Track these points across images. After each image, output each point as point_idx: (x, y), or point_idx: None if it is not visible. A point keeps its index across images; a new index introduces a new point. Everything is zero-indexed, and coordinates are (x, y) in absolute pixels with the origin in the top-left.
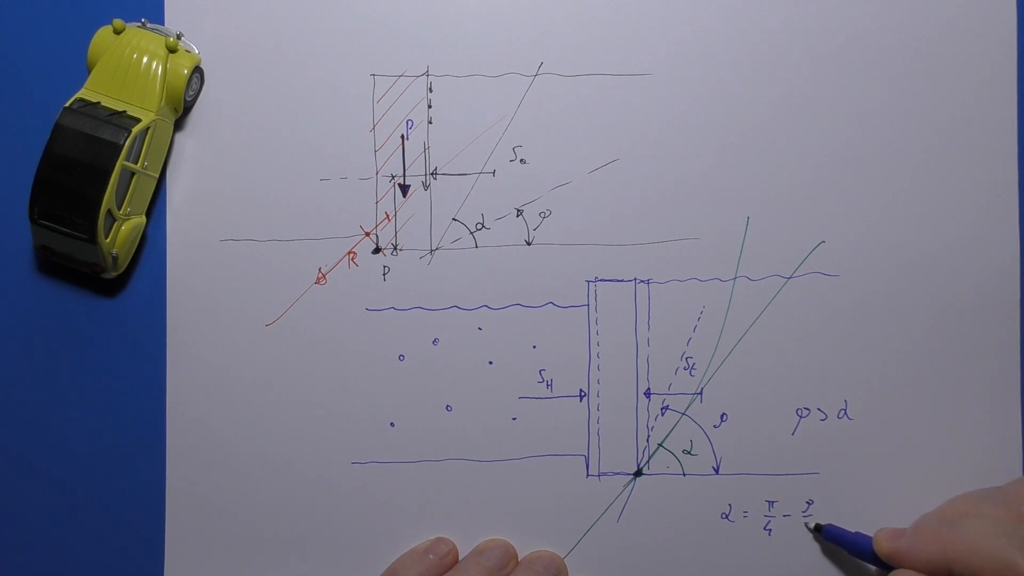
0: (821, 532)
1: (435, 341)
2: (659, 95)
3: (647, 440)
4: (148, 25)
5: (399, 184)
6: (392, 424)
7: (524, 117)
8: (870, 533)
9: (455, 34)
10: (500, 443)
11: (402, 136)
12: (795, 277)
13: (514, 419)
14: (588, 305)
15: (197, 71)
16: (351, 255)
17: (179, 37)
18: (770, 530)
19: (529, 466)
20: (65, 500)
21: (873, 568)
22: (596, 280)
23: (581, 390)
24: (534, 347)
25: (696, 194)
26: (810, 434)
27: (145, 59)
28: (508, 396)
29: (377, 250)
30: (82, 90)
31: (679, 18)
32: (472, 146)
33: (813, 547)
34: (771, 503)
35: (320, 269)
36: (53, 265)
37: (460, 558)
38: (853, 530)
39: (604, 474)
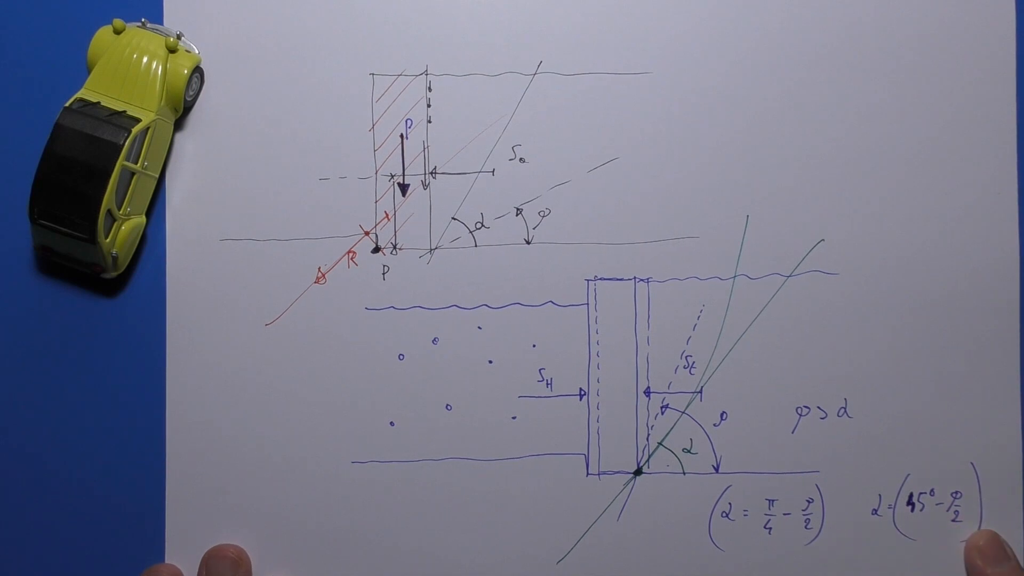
0: None
1: (435, 340)
2: (658, 94)
3: (647, 439)
4: (148, 25)
5: (398, 183)
6: (392, 423)
7: (523, 116)
8: (870, 530)
9: (454, 33)
10: (500, 442)
11: (401, 135)
12: (795, 275)
13: (514, 418)
14: (588, 304)
15: (197, 71)
16: (350, 254)
17: (179, 37)
18: (770, 529)
19: (529, 465)
20: (65, 500)
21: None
22: (596, 279)
23: (581, 389)
24: (534, 346)
25: (695, 193)
26: (810, 432)
27: (145, 59)
28: (508, 395)
29: (376, 249)
30: (82, 90)
31: (678, 17)
32: (471, 145)
33: (813, 546)
34: (771, 501)
35: (319, 268)
36: (53, 265)
37: None
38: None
39: (604, 473)
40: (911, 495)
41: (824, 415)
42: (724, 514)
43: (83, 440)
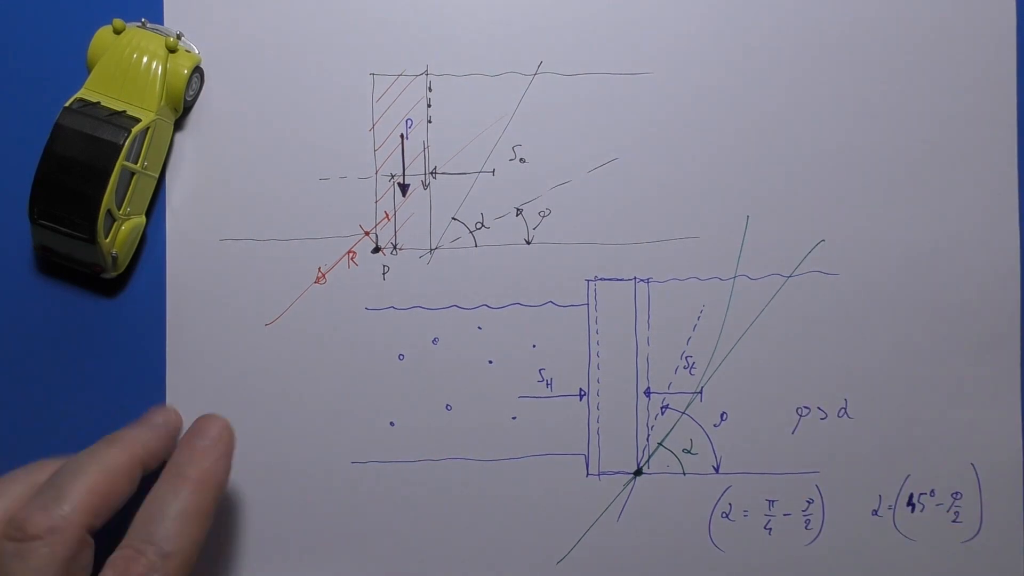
0: None
1: (435, 340)
2: (659, 94)
3: (647, 439)
4: (148, 25)
5: (398, 183)
6: (392, 424)
7: (523, 116)
8: (870, 530)
9: (454, 33)
10: (500, 442)
11: (401, 135)
12: (795, 276)
13: (514, 418)
14: (588, 304)
15: (197, 71)
16: (350, 254)
17: (179, 37)
18: (770, 529)
19: (529, 465)
20: None
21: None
22: (596, 279)
23: (581, 389)
24: (534, 346)
25: (696, 193)
26: (810, 433)
27: (145, 59)
28: (508, 395)
29: (376, 249)
30: (82, 90)
31: (679, 16)
32: (471, 145)
33: (813, 546)
34: (771, 502)
35: (320, 268)
36: (53, 265)
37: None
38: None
39: (604, 473)
40: (911, 496)
41: (824, 415)
42: (724, 515)
43: (83, 440)
